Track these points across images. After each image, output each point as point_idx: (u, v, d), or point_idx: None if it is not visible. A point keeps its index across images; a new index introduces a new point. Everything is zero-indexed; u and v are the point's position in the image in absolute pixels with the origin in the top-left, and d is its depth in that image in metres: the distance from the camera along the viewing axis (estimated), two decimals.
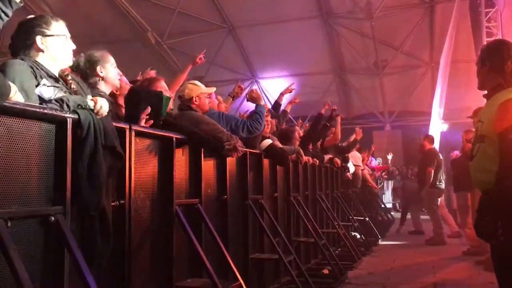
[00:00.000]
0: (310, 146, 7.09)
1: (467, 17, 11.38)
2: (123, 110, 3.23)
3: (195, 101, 3.86)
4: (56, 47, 2.34)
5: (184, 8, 13.98)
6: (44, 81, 2.17)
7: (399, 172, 13.88)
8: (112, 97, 3.19)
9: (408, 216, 10.34)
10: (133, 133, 2.60)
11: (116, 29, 14.55)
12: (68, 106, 2.10)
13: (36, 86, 2.14)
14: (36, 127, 1.95)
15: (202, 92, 3.92)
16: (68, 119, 2.05)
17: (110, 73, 2.90)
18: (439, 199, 8.83)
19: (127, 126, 2.57)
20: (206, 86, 4.11)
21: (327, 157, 7.55)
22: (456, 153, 9.84)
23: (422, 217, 10.09)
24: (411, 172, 13.22)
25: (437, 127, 12.28)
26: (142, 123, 2.88)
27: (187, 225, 2.98)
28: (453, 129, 13.86)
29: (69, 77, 2.44)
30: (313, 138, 7.37)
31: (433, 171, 8.42)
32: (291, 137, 5.99)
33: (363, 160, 10.44)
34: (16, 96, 1.88)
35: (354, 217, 8.36)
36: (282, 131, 6.17)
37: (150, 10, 14.07)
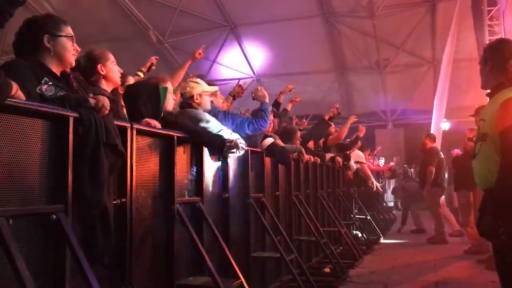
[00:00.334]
0: (311, 144, 7.09)
1: (469, 16, 11.35)
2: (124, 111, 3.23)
3: (196, 99, 3.86)
4: (63, 48, 2.36)
5: (185, 6, 13.96)
6: (45, 79, 2.17)
7: (403, 172, 13.84)
8: (117, 97, 3.19)
9: (409, 215, 10.34)
10: (134, 131, 2.60)
11: (118, 28, 14.53)
12: (69, 104, 2.10)
13: (38, 84, 2.14)
14: (38, 125, 1.96)
15: (204, 91, 3.92)
16: (69, 117, 2.05)
17: (111, 70, 2.91)
18: (441, 198, 8.83)
19: (128, 125, 2.57)
20: (208, 85, 4.11)
21: (328, 155, 7.54)
22: (457, 151, 9.83)
23: (421, 212, 10.08)
24: (413, 172, 13.21)
25: (439, 126, 12.26)
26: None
27: (189, 223, 2.98)
28: (455, 127, 13.83)
29: (71, 76, 2.44)
30: (314, 136, 7.37)
31: (434, 169, 8.42)
32: (292, 136, 6.00)
33: (366, 160, 10.42)
34: (17, 94, 1.88)
35: (356, 216, 8.36)
36: (283, 130, 6.17)
37: (151, 8, 14.07)
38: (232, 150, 3.45)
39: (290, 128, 6.47)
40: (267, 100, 4.52)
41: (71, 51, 2.40)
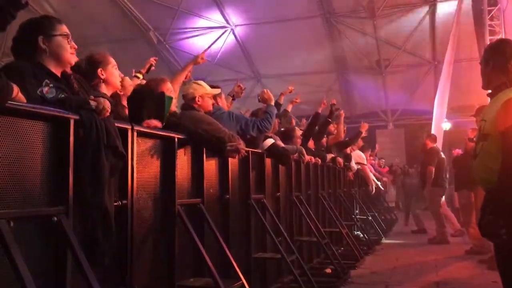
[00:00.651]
0: (311, 145, 7.09)
1: (469, 16, 11.35)
2: (127, 111, 3.24)
3: (198, 101, 3.87)
4: (59, 47, 2.33)
5: (186, 8, 13.99)
6: (46, 81, 2.17)
7: (402, 171, 13.82)
8: (116, 98, 3.20)
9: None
10: (135, 133, 2.61)
11: (118, 29, 14.57)
12: (70, 106, 2.10)
13: (38, 86, 2.14)
14: (38, 128, 1.96)
15: (206, 93, 3.93)
16: (70, 120, 2.06)
17: (112, 75, 2.90)
18: (442, 198, 8.82)
19: (129, 126, 2.58)
20: (209, 85, 4.12)
21: (329, 156, 7.54)
22: (458, 151, 9.82)
23: (422, 212, 10.07)
24: (414, 171, 13.19)
25: (440, 126, 12.25)
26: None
27: (189, 224, 2.98)
28: (456, 127, 13.83)
29: (71, 78, 2.44)
30: (314, 136, 7.36)
31: (433, 169, 8.41)
32: (292, 136, 6.00)
33: (366, 160, 10.40)
34: (18, 97, 1.88)
35: (357, 216, 8.35)
36: (283, 130, 6.17)
37: (152, 10, 14.09)
38: (232, 155, 3.46)
39: (289, 127, 6.47)
40: (272, 103, 4.61)
41: (68, 50, 2.37)
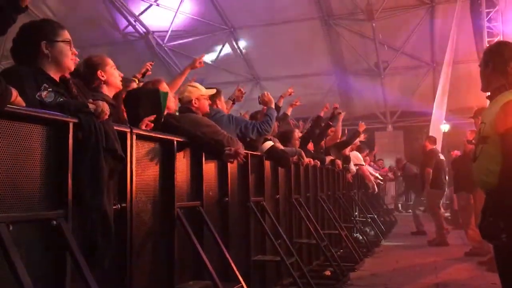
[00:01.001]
0: (311, 147, 7.09)
1: (468, 18, 11.38)
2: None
3: (195, 103, 3.88)
4: (61, 54, 2.34)
5: (185, 10, 14.00)
6: (45, 85, 2.17)
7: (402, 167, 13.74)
8: (118, 101, 3.19)
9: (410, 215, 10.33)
10: (134, 136, 2.61)
11: (117, 32, 14.58)
12: (69, 110, 2.10)
13: (37, 91, 2.14)
14: (38, 131, 1.96)
15: (202, 94, 3.93)
16: (69, 123, 2.06)
17: (111, 75, 2.91)
18: (441, 200, 8.83)
19: (128, 129, 2.58)
20: (207, 88, 4.13)
21: (328, 158, 7.54)
22: (456, 152, 9.83)
23: (419, 212, 10.08)
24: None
25: (438, 128, 12.27)
26: (143, 127, 2.89)
27: (189, 227, 2.98)
28: (454, 129, 13.84)
29: (70, 81, 2.44)
30: (314, 139, 7.36)
31: (431, 171, 8.42)
32: (290, 138, 6.01)
33: (364, 161, 10.39)
34: (17, 100, 1.89)
35: (356, 218, 8.35)
36: (282, 133, 6.18)
37: (151, 12, 14.10)
38: (230, 160, 3.45)
39: (287, 129, 6.48)
40: (272, 105, 4.61)
41: (69, 56, 2.38)
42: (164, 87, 3.45)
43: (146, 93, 3.12)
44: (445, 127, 13.21)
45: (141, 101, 3.03)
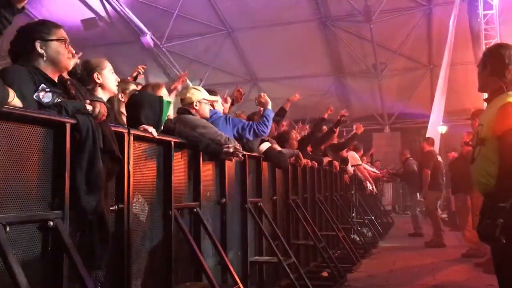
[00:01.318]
0: (310, 149, 7.09)
1: (465, 20, 11.41)
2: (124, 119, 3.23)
3: (195, 105, 3.88)
4: (56, 52, 2.32)
5: (183, 11, 13.99)
6: (42, 86, 2.17)
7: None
8: (112, 104, 3.19)
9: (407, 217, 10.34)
10: (131, 137, 2.60)
11: (115, 32, 14.56)
12: (66, 111, 2.10)
13: (35, 91, 2.14)
14: (35, 132, 1.96)
15: (204, 98, 3.93)
16: (66, 124, 2.05)
17: (107, 79, 2.89)
18: (438, 201, 8.84)
19: (125, 130, 2.58)
20: (206, 90, 4.14)
21: (326, 159, 7.55)
22: (453, 154, 9.86)
23: (418, 213, 10.09)
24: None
25: (436, 129, 12.30)
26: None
27: (186, 228, 2.98)
28: (451, 131, 13.88)
29: (68, 82, 2.44)
30: (315, 142, 7.37)
31: (429, 173, 8.43)
32: (287, 138, 6.01)
33: (361, 160, 10.36)
34: (14, 101, 1.88)
35: (354, 220, 8.35)
36: (278, 134, 6.18)
37: (149, 13, 14.09)
38: (230, 158, 3.46)
39: (283, 131, 6.48)
40: (269, 107, 4.61)
41: (65, 55, 2.35)
42: (163, 92, 3.45)
43: (149, 99, 3.11)
44: (443, 129, 13.24)
45: (143, 107, 3.02)
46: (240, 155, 3.51)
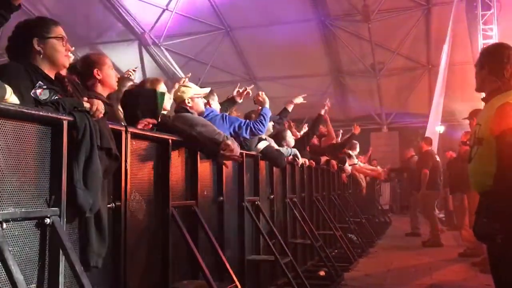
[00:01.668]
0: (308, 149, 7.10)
1: (463, 20, 11.42)
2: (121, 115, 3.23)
3: (188, 102, 3.88)
4: (53, 50, 2.30)
5: (181, 10, 13.98)
6: (39, 83, 2.16)
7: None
8: (111, 101, 3.18)
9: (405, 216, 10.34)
10: (129, 135, 2.60)
11: (114, 31, 14.54)
12: (63, 108, 2.09)
13: (32, 88, 2.13)
14: (32, 129, 1.95)
15: (195, 93, 3.93)
16: (63, 121, 2.05)
17: (107, 75, 2.88)
18: (435, 201, 8.85)
19: (123, 128, 2.57)
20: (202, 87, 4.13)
21: (323, 158, 7.55)
22: (451, 153, 9.87)
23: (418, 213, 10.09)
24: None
25: (434, 129, 12.31)
26: (141, 127, 2.88)
27: (183, 227, 2.98)
28: (449, 130, 13.89)
29: (65, 79, 2.43)
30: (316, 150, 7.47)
31: (427, 172, 8.44)
32: (284, 136, 6.00)
33: (356, 157, 10.34)
34: (11, 98, 1.88)
35: (351, 219, 8.36)
36: (275, 133, 6.17)
37: (147, 12, 14.07)
38: (226, 160, 3.45)
39: (279, 129, 6.48)
40: (267, 105, 4.62)
41: (63, 52, 2.34)
42: (162, 87, 3.44)
43: (144, 93, 3.11)
44: (440, 129, 13.26)
45: (139, 101, 3.02)
46: (238, 157, 3.49)
